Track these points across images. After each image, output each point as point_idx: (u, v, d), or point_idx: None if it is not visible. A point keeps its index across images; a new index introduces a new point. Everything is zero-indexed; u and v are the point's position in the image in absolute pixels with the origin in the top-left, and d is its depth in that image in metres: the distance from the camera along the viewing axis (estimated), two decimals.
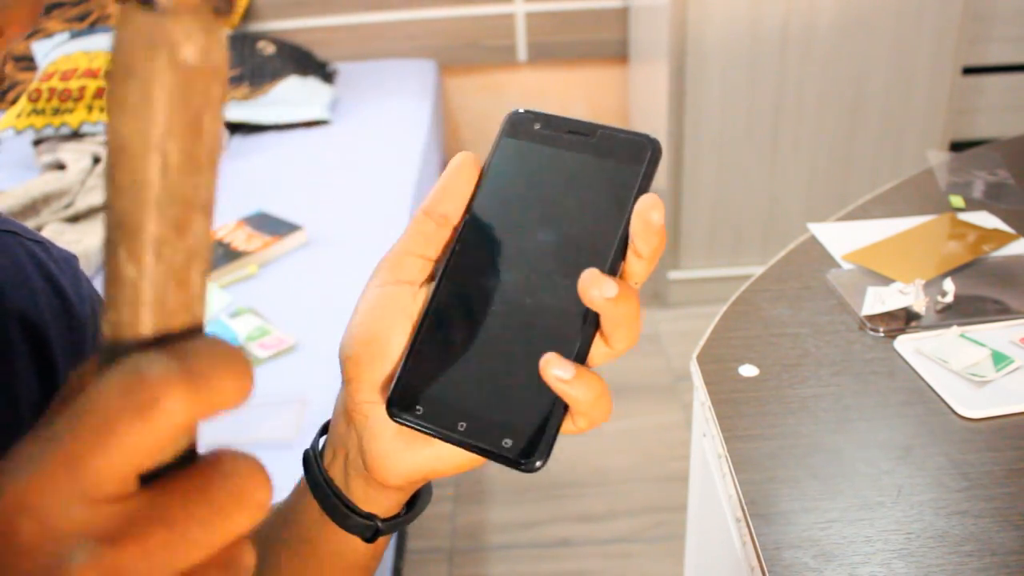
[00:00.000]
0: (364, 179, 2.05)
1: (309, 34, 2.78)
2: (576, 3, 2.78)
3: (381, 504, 0.49)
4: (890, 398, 0.86)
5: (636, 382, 2.28)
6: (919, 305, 0.96)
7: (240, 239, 1.74)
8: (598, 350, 0.41)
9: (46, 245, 0.57)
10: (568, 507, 1.95)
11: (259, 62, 2.40)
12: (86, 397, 0.24)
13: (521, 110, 0.46)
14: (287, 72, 2.41)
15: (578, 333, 0.41)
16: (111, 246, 0.25)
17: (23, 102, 2.20)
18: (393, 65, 2.76)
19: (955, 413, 0.83)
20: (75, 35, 2.42)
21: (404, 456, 0.45)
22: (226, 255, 1.69)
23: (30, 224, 1.80)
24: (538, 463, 0.40)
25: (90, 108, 2.21)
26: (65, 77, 2.21)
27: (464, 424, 0.42)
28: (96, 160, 2.07)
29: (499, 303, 0.43)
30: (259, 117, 2.33)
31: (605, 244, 0.41)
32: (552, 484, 2.01)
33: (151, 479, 0.25)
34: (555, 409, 0.41)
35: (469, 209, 0.45)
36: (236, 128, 2.34)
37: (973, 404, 0.84)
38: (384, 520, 0.50)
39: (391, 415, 0.43)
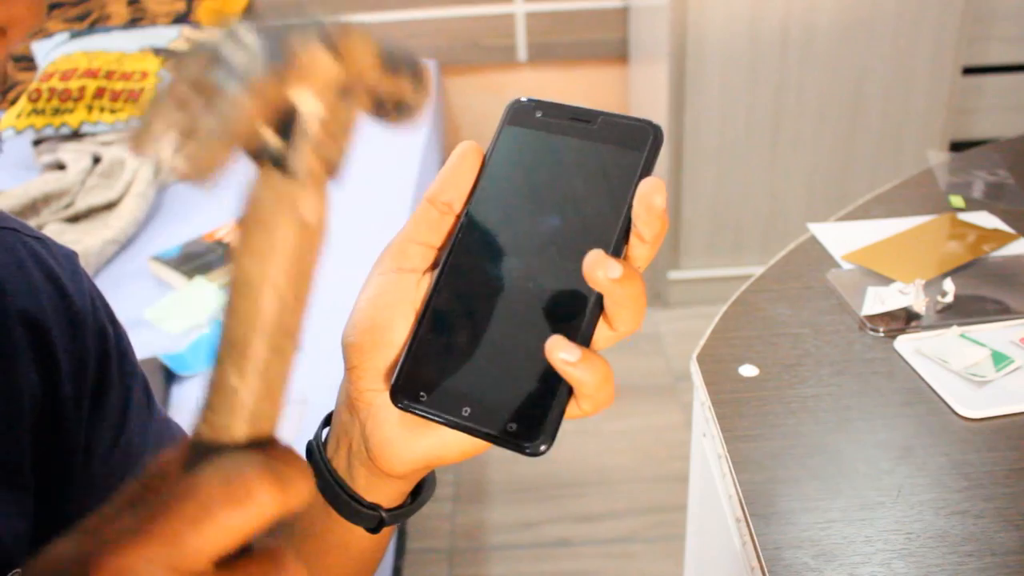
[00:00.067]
0: (364, 179, 2.05)
1: None
2: (576, 3, 2.78)
3: (385, 494, 0.49)
4: (890, 398, 0.86)
5: (636, 382, 2.28)
6: (919, 305, 0.96)
7: None
8: (602, 333, 0.41)
9: (45, 241, 0.57)
10: (568, 507, 1.95)
11: None
12: (188, 483, 0.28)
13: (523, 99, 0.46)
14: None
15: (582, 317, 0.41)
16: (220, 360, 0.29)
17: (23, 102, 2.20)
18: None
19: (955, 413, 0.83)
20: (75, 35, 2.42)
21: (408, 443, 0.45)
22: (226, 255, 1.69)
23: (30, 224, 1.80)
24: (543, 447, 0.40)
25: (90, 108, 2.21)
26: (65, 77, 2.21)
27: (468, 409, 0.42)
28: (96, 160, 2.07)
29: (502, 289, 0.43)
30: None
31: (608, 228, 0.41)
32: (552, 484, 2.01)
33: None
34: (560, 393, 0.41)
35: (472, 197, 0.45)
36: None
37: (973, 404, 0.84)
38: (388, 510, 0.50)
39: (395, 402, 0.43)
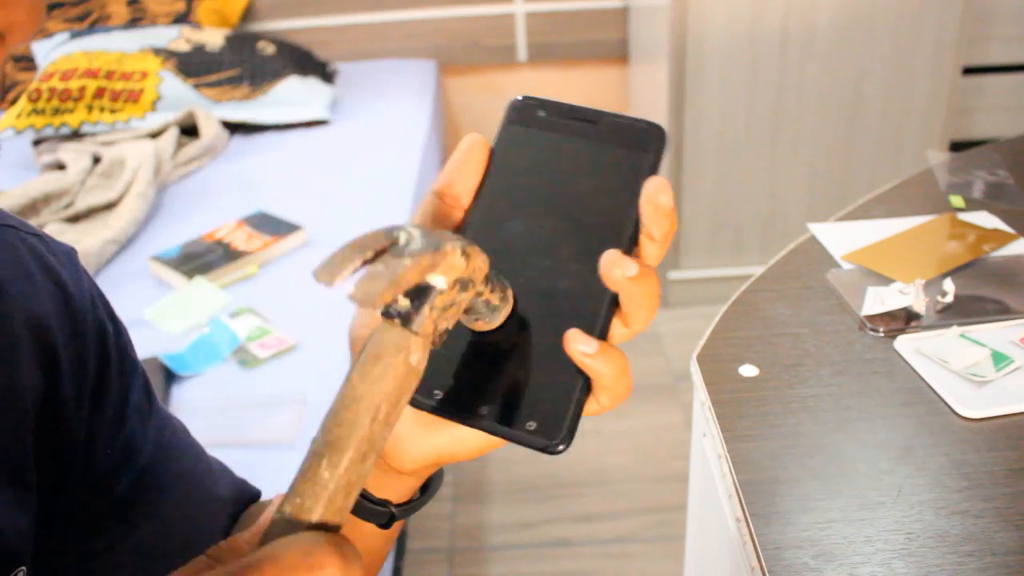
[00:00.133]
0: (364, 179, 2.05)
1: (309, 34, 2.78)
2: (576, 3, 2.78)
3: (395, 490, 0.49)
4: (890, 398, 0.86)
5: (636, 382, 2.26)
6: (919, 305, 0.96)
7: (240, 239, 1.74)
8: (616, 330, 0.42)
9: (44, 239, 0.57)
10: (568, 507, 1.95)
11: (259, 62, 2.40)
12: (270, 550, 0.33)
13: (524, 97, 0.46)
14: (287, 72, 2.41)
15: (596, 314, 0.41)
16: (318, 454, 0.35)
17: (23, 102, 2.20)
18: (393, 65, 2.76)
19: (955, 413, 0.83)
20: (75, 35, 2.42)
21: (422, 441, 0.45)
22: (226, 255, 1.69)
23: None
24: (562, 445, 0.41)
25: (90, 108, 2.21)
26: (65, 77, 2.21)
27: (486, 408, 0.42)
28: (96, 160, 2.07)
29: (512, 285, 0.43)
30: (259, 117, 2.33)
31: (619, 228, 0.42)
32: (552, 484, 2.01)
33: None
34: (578, 390, 0.41)
35: (480, 192, 0.45)
36: (236, 128, 2.34)
37: (973, 404, 0.84)
38: (398, 506, 0.50)
39: (410, 401, 0.43)
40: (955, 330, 0.93)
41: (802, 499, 0.75)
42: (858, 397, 0.87)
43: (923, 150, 2.30)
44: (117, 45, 2.34)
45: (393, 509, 0.49)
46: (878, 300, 0.98)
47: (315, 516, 0.35)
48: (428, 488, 0.52)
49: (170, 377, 1.38)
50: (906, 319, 0.96)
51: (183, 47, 2.36)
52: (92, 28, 2.48)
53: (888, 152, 2.40)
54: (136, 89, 2.25)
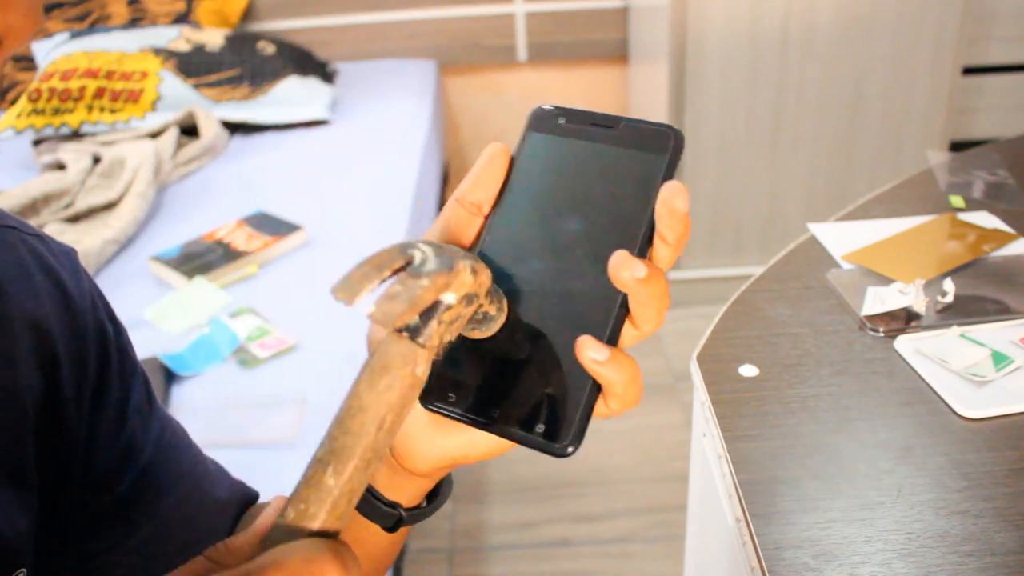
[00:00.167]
0: (364, 179, 2.05)
1: (309, 34, 2.78)
2: (576, 3, 2.78)
3: (405, 492, 0.50)
4: (890, 398, 0.86)
5: None
6: (919, 305, 0.96)
7: (240, 239, 1.74)
8: (626, 333, 0.42)
9: (45, 239, 0.57)
10: (567, 507, 1.95)
11: (259, 62, 2.40)
12: (273, 556, 0.34)
13: (546, 106, 0.47)
14: (287, 72, 2.41)
15: (608, 317, 0.42)
16: (323, 461, 0.36)
17: (23, 102, 2.20)
18: (393, 65, 2.76)
19: (955, 413, 0.83)
20: (75, 35, 2.42)
21: (434, 442, 0.45)
22: (226, 255, 1.69)
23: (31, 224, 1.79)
24: (571, 448, 0.41)
25: (90, 108, 2.21)
26: (65, 77, 2.21)
27: (497, 411, 0.43)
28: (96, 160, 2.07)
29: (529, 290, 0.43)
30: (259, 117, 2.33)
31: (633, 231, 0.42)
32: (552, 484, 2.01)
33: None
34: (587, 393, 0.41)
35: (500, 199, 0.45)
36: (236, 128, 2.34)
37: (973, 404, 0.84)
38: (407, 510, 0.50)
39: (424, 403, 0.44)
40: (955, 330, 0.93)
41: (802, 499, 0.75)
42: (858, 397, 0.87)
43: (923, 150, 2.30)
44: (117, 45, 2.34)
45: (402, 512, 0.50)
46: (878, 300, 0.98)
47: (318, 522, 0.36)
48: (436, 496, 0.52)
49: (170, 377, 1.38)
50: (906, 319, 0.96)
51: (183, 47, 2.36)
52: (92, 28, 2.48)
53: (888, 152, 2.40)
54: (136, 89, 2.25)
